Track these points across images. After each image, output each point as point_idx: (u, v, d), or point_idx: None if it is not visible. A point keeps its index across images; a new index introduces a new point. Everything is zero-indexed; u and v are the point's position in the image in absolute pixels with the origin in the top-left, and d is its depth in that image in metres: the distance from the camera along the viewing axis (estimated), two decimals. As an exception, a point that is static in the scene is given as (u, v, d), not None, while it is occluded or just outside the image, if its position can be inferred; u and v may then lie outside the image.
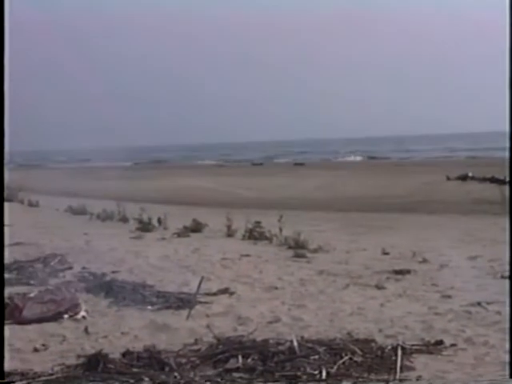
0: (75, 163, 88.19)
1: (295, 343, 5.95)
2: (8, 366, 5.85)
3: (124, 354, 5.92)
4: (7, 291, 8.80)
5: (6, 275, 9.53)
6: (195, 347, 6.19)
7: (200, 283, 7.91)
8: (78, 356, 6.02)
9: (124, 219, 17.27)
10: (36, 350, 6.37)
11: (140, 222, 15.77)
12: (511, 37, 4.86)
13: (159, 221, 15.92)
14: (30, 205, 23.72)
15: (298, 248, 11.84)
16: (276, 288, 8.82)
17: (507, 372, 5.19)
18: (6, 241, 9.15)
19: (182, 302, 7.98)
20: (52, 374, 5.53)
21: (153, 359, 5.76)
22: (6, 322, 7.35)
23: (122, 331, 6.89)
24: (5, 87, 4.48)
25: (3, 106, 4.45)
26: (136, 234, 14.78)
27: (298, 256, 11.23)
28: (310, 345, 6.02)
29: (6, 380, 4.87)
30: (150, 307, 7.91)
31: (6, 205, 8.95)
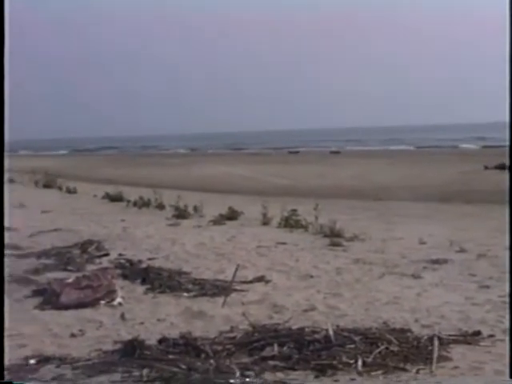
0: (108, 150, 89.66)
1: (331, 332, 5.93)
2: (47, 350, 5.94)
3: (160, 341, 5.95)
4: (47, 276, 8.95)
5: (46, 261, 9.66)
6: (231, 335, 6.19)
7: (236, 271, 7.92)
8: (115, 342, 6.07)
9: (160, 206, 17.36)
10: (73, 335, 6.42)
11: (176, 209, 15.84)
12: (511, 37, 4.85)
13: (195, 208, 15.97)
14: (68, 191, 23.97)
15: (333, 236, 11.80)
16: (312, 276, 8.80)
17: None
18: (47, 226, 9.32)
19: (218, 290, 8.00)
20: (89, 360, 5.58)
21: (189, 346, 5.79)
22: (45, 306, 7.47)
23: (158, 318, 6.92)
24: (5, 88, 4.49)
25: (3, 103, 4.47)
26: (172, 221, 14.85)
27: (333, 244, 11.19)
28: (345, 334, 5.99)
29: (5, 380, 4.91)
30: (185, 294, 7.95)
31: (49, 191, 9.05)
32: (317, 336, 5.94)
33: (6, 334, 6.46)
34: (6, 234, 13.02)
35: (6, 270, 9.31)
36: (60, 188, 24.58)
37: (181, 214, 15.55)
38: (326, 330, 5.99)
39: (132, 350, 5.63)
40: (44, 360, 5.59)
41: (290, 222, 13.71)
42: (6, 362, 5.33)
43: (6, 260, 10.22)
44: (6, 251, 10.84)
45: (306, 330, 6.15)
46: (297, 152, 66.11)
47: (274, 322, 6.59)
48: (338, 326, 6.23)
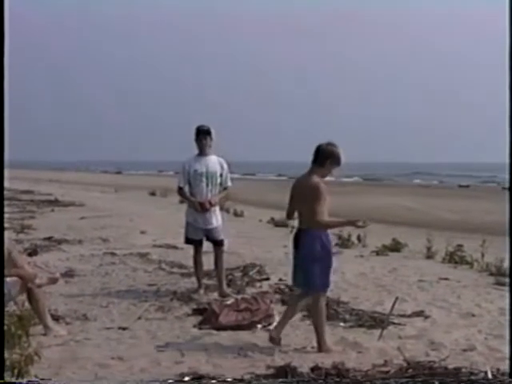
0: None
1: (489, 375, 5.70)
2: (202, 368, 6.09)
3: (313, 369, 5.95)
4: (208, 296, 9.20)
5: (208, 281, 9.93)
6: (384, 369, 6.08)
7: (394, 303, 7.78)
8: (268, 366, 6.12)
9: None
10: (228, 356, 6.54)
11: (339, 237, 15.82)
12: (511, 37, 4.62)
13: (359, 238, 15.89)
14: (235, 214, 24.56)
15: (499, 275, 11.36)
16: (473, 315, 8.50)
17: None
18: (212, 247, 9.58)
19: (375, 322, 7.90)
20: (242, 380, 5.66)
21: (341, 376, 5.75)
22: (203, 326, 7.67)
23: (313, 345, 6.92)
24: (5, 87, 4.61)
25: (3, 106, 4.60)
26: (334, 249, 14.81)
27: (499, 284, 10.76)
28: (505, 378, 5.74)
29: (5, 380, 5.03)
30: (342, 324, 7.90)
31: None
32: (474, 377, 5.72)
33: (165, 349, 6.74)
34: (174, 253, 13.55)
35: (171, 288, 9.70)
36: (227, 211, 25.20)
37: (344, 242, 15.51)
38: (485, 373, 5.77)
39: (284, 375, 5.67)
40: (198, 378, 5.72)
41: (455, 258, 13.35)
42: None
43: (171, 277, 10.65)
44: (173, 269, 11.31)
45: (463, 370, 5.94)
46: (467, 186, 64.39)
47: (430, 359, 6.41)
48: (498, 370, 5.98)
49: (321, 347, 6.82)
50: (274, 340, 6.85)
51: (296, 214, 7.09)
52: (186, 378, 5.67)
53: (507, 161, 5.08)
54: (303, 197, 6.81)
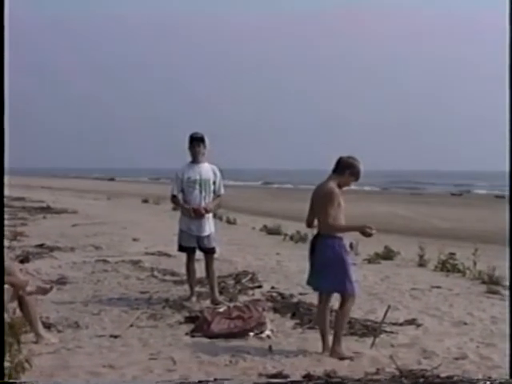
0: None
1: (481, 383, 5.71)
2: (193, 376, 6.07)
3: (304, 377, 5.95)
4: (200, 304, 9.18)
5: (201, 289, 9.92)
6: (376, 377, 6.08)
7: (386, 311, 7.79)
8: (260, 374, 6.12)
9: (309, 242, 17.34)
10: (219, 364, 6.53)
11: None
12: (511, 37, 4.65)
13: (351, 245, 15.85)
14: (228, 222, 24.56)
15: (491, 283, 11.38)
16: (465, 323, 8.51)
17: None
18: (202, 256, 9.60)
19: (367, 330, 7.90)
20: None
21: (332, 384, 5.74)
22: (195, 334, 7.66)
23: (304, 353, 6.92)
24: (5, 87, 4.61)
25: (3, 106, 4.59)
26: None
27: (491, 292, 10.78)
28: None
29: (5, 380, 5.02)
30: (334, 332, 7.88)
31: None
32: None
33: (157, 357, 6.72)
34: (166, 261, 13.54)
35: (163, 296, 9.68)
36: (220, 218, 25.16)
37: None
38: (477, 381, 5.78)
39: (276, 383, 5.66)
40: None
41: (447, 266, 13.37)
42: None
43: (163, 285, 10.63)
44: (165, 277, 11.29)
45: (455, 378, 5.95)
46: (460, 194, 64.52)
47: (422, 367, 6.42)
48: (489, 378, 5.99)
49: (334, 351, 6.89)
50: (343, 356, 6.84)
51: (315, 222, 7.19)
52: None
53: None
54: (320, 203, 6.94)
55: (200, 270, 9.82)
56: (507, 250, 5.66)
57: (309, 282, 7.31)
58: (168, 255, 13.64)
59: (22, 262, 12.36)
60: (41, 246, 15.03)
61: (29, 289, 7.30)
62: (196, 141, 9.35)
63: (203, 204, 9.34)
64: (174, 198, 9.54)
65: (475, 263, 12.58)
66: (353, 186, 7.61)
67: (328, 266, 6.92)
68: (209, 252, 9.51)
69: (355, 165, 6.97)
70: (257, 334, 7.63)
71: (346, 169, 6.93)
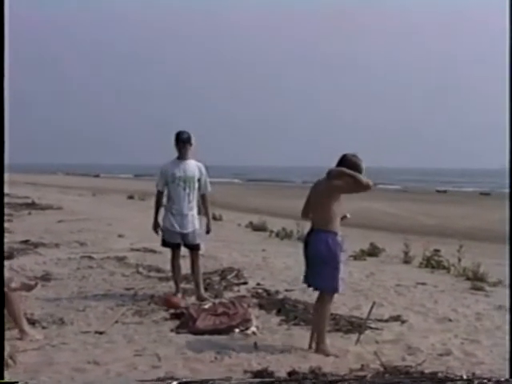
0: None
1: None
2: (179, 373, 6.07)
3: (290, 373, 5.95)
4: (185, 301, 9.17)
5: (186, 285, 9.91)
6: (361, 373, 6.10)
7: (371, 308, 7.80)
8: (245, 371, 6.11)
9: (303, 238, 17.37)
10: (205, 360, 6.53)
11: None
12: (511, 37, 4.69)
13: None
14: (214, 218, 24.52)
15: (476, 280, 11.44)
16: (450, 320, 8.54)
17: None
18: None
19: (352, 326, 7.91)
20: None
21: (318, 381, 5.75)
22: (180, 330, 7.65)
23: (290, 350, 6.92)
24: (5, 88, 4.60)
25: (3, 105, 4.59)
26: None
27: (475, 288, 10.83)
28: (480, 382, 5.77)
29: (5, 380, 5.01)
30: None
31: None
32: (450, 383, 5.75)
33: (142, 353, 6.71)
34: (151, 257, 13.54)
35: (149, 292, 9.67)
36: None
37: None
38: (461, 377, 5.80)
39: (261, 380, 5.66)
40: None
41: (432, 263, 13.43)
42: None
43: (149, 282, 10.62)
44: (150, 273, 11.28)
45: (440, 374, 5.97)
46: (444, 191, 64.80)
47: (407, 363, 6.44)
48: (473, 374, 6.01)
49: (318, 348, 6.86)
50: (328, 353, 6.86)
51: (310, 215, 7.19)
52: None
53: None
54: (318, 197, 6.94)
55: (185, 266, 9.80)
56: (507, 248, 5.66)
57: (306, 281, 7.24)
58: (153, 251, 13.61)
59: (6, 258, 12.30)
60: (25, 242, 14.95)
61: (13, 285, 7.27)
62: (181, 140, 9.33)
63: (187, 201, 9.35)
64: (159, 194, 9.52)
65: (460, 260, 12.64)
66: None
67: (321, 262, 6.89)
68: (194, 248, 9.50)
69: (358, 164, 6.94)
70: (242, 330, 7.63)
71: (347, 167, 6.89)
